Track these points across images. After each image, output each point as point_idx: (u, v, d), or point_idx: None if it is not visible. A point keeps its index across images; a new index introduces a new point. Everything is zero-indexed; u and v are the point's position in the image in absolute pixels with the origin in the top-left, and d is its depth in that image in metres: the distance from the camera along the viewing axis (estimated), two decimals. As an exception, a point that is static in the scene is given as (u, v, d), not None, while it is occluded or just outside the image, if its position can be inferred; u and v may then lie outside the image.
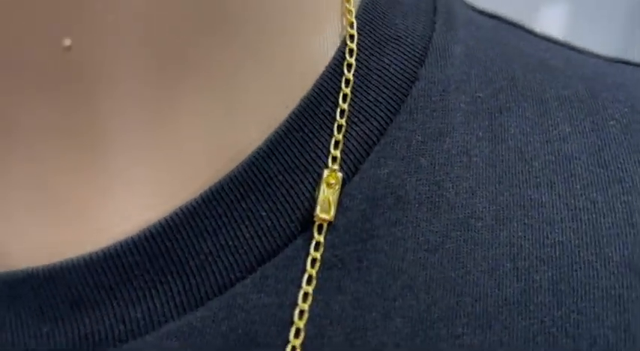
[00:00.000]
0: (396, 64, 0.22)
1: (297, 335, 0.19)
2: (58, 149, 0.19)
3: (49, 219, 0.19)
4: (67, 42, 0.17)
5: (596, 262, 0.20)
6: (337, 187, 0.20)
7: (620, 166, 0.21)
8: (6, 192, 0.19)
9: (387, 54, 0.22)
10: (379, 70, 0.22)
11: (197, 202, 0.19)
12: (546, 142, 0.22)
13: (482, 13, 0.26)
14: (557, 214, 0.20)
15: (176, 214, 0.19)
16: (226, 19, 0.19)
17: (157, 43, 0.18)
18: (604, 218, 0.20)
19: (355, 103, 0.21)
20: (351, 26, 0.22)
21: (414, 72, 0.22)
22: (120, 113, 0.19)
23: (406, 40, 0.22)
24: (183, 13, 0.18)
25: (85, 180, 0.19)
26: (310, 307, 0.20)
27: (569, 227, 0.20)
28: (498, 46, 0.24)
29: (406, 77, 0.22)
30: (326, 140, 0.21)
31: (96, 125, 0.19)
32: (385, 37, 0.22)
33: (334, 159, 0.21)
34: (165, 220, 0.19)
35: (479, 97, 0.22)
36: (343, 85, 0.21)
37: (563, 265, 0.20)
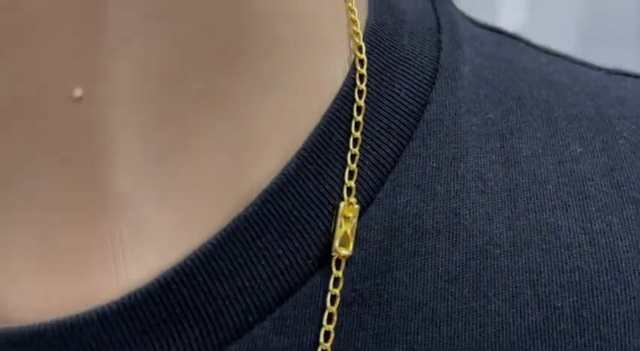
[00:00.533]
0: (407, 89, 0.21)
1: None
2: (64, 200, 0.18)
3: (55, 272, 0.18)
4: (79, 93, 0.16)
5: (617, 286, 0.20)
6: (354, 220, 0.20)
7: (632, 186, 0.21)
8: (8, 246, 0.18)
9: (398, 78, 0.21)
10: (390, 96, 0.21)
11: (212, 245, 0.19)
12: (559, 163, 0.21)
13: (483, 26, 0.25)
14: (574, 238, 0.20)
15: (191, 259, 0.18)
16: (239, 55, 0.18)
17: (168, 87, 0.17)
18: (621, 241, 0.20)
19: (368, 131, 0.20)
20: (360, 50, 0.21)
21: (426, 95, 0.21)
22: (127, 162, 0.18)
23: (415, 62, 0.22)
24: (197, 50, 0.17)
25: (91, 230, 0.18)
26: (332, 345, 0.19)
27: (588, 251, 0.20)
28: (503, 63, 0.24)
29: (418, 101, 0.21)
30: (340, 171, 0.20)
31: (103, 173, 0.18)
32: (394, 60, 0.21)
33: (349, 190, 0.20)
34: (180, 266, 0.18)
35: (489, 118, 0.22)
36: (355, 113, 0.20)
37: (584, 290, 0.20)
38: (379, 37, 0.22)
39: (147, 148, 0.18)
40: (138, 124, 0.17)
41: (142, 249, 0.18)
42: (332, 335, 0.19)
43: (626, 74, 0.26)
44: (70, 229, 0.18)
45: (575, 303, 0.19)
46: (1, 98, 0.16)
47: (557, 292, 0.20)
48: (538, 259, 0.20)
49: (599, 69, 0.26)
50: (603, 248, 0.20)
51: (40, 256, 0.18)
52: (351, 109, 0.20)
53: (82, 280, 0.18)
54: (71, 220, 0.18)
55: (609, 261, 0.20)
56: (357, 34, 0.21)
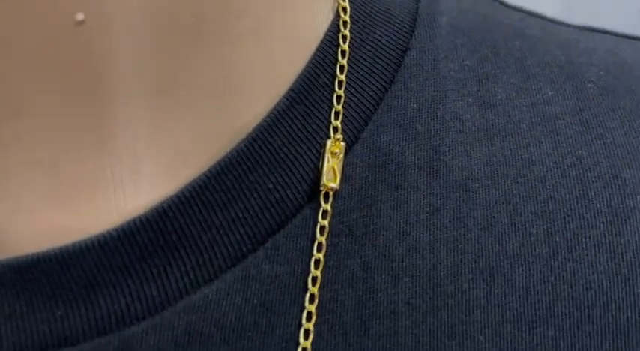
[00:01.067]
0: (387, 36, 0.22)
1: (311, 300, 0.20)
2: (66, 130, 0.19)
3: (56, 201, 0.19)
4: (80, 16, 0.17)
5: (586, 213, 0.21)
6: (341, 156, 0.21)
7: (600, 124, 0.23)
8: (11, 175, 0.19)
9: (379, 26, 0.22)
10: (373, 42, 0.22)
11: (206, 177, 0.20)
12: (531, 104, 0.23)
13: None
14: (547, 171, 0.22)
15: (187, 189, 0.19)
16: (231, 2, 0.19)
17: (165, 21, 0.18)
18: (590, 172, 0.22)
19: (352, 74, 0.22)
20: None
21: (406, 42, 0.23)
22: (126, 92, 0.19)
23: (395, 12, 0.23)
24: None
25: (91, 161, 0.19)
26: (322, 272, 0.20)
27: (559, 183, 0.21)
28: (479, 17, 0.25)
29: (398, 48, 0.22)
30: (326, 111, 0.21)
31: (103, 106, 0.19)
32: (375, 10, 0.23)
33: (335, 129, 0.21)
34: (177, 196, 0.19)
35: (466, 64, 0.23)
36: (340, 57, 0.22)
37: (556, 218, 0.21)
38: None
39: (145, 80, 0.19)
40: (137, 55, 0.18)
41: (140, 180, 0.19)
42: (322, 263, 0.20)
43: (594, 30, 0.27)
44: (71, 161, 0.19)
45: (549, 229, 0.21)
46: (2, 26, 0.17)
47: (531, 220, 0.21)
48: (514, 192, 0.21)
49: (569, 26, 0.27)
50: (574, 179, 0.21)
51: (43, 189, 0.19)
52: (336, 53, 0.22)
53: (83, 211, 0.19)
54: (72, 152, 0.19)
55: (579, 191, 0.21)
56: None
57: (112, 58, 0.18)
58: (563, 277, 0.20)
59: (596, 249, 0.21)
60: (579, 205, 0.21)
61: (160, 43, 0.18)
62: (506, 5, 0.28)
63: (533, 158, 0.22)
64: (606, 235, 0.21)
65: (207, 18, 0.19)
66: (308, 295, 0.20)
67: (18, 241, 0.19)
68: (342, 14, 0.22)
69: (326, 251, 0.20)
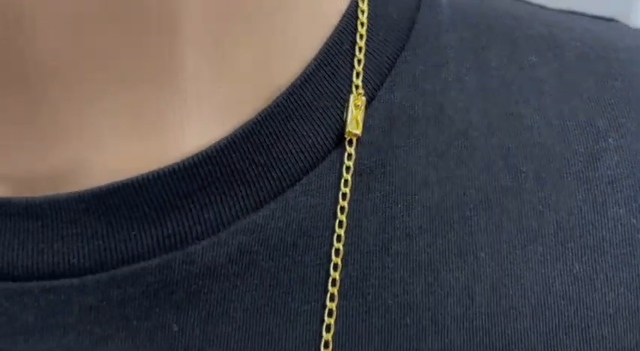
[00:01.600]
0: (398, 11, 0.27)
1: (340, 226, 0.24)
2: (140, 76, 0.22)
3: (130, 139, 0.23)
4: None
5: (567, 154, 0.25)
6: (362, 108, 0.25)
7: (577, 84, 0.27)
8: (93, 118, 0.23)
9: (391, 3, 0.27)
10: (386, 16, 0.27)
11: (254, 123, 0.24)
12: (520, 69, 0.27)
13: None
14: (534, 123, 0.26)
15: (239, 132, 0.23)
16: None
17: None
18: (569, 122, 0.26)
19: (369, 41, 0.26)
20: None
21: (413, 17, 0.27)
22: (193, 39, 0.22)
23: None
24: None
25: (161, 98, 0.23)
26: (349, 204, 0.24)
27: (544, 131, 0.26)
28: (474, 0, 0.30)
29: (407, 21, 0.27)
30: (349, 72, 0.25)
31: (176, 49, 0.22)
32: None
33: (357, 87, 0.25)
34: (231, 136, 0.23)
35: (464, 37, 0.27)
36: (359, 28, 0.26)
37: (543, 159, 0.25)
38: None
39: (208, 32, 0.23)
40: (203, 9, 0.22)
41: (201, 121, 0.23)
42: (348, 195, 0.24)
43: (573, 13, 0.32)
44: (144, 104, 0.23)
45: (537, 168, 0.25)
46: None
47: (522, 161, 0.25)
48: (507, 139, 0.26)
49: (551, 9, 0.32)
50: (556, 128, 0.26)
51: (119, 129, 0.23)
52: (356, 25, 0.26)
53: (153, 147, 0.23)
54: (146, 96, 0.23)
55: (561, 137, 0.26)
56: None
57: (183, 7, 0.22)
58: (549, 205, 0.24)
59: (576, 182, 0.25)
60: (561, 147, 0.25)
61: (220, 4, 0.23)
62: None
63: (522, 112, 0.26)
64: (584, 170, 0.25)
65: None
66: (337, 221, 0.24)
67: (100, 173, 0.23)
68: None
69: (351, 187, 0.24)
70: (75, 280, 0.22)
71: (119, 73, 0.22)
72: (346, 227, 0.24)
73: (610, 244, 0.24)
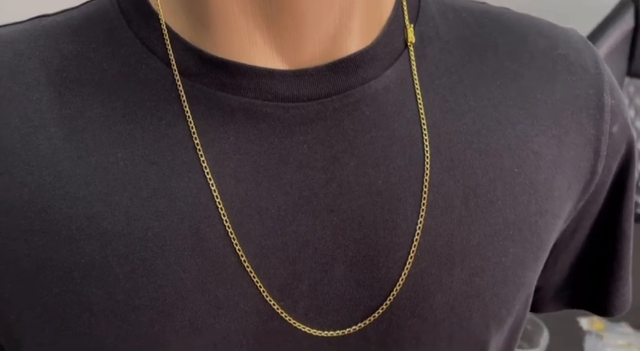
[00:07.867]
0: (411, 6, 0.47)
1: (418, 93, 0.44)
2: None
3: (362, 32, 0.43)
4: None
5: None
6: (411, 29, 0.45)
7: (519, 56, 0.48)
8: (252, 34, 0.40)
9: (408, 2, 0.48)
10: (408, 5, 0.47)
11: (377, 41, 0.43)
12: (489, 34, 0.49)
13: None
14: (499, 72, 0.47)
15: (371, 45, 0.42)
16: None
17: None
18: (529, 71, 0.47)
19: (408, 11, 0.46)
20: None
21: (418, 5, 0.47)
22: None
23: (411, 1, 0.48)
24: None
25: (326, 19, 0.40)
26: (419, 78, 0.44)
27: (507, 79, 0.47)
28: (449, 4, 0.51)
29: (415, 7, 0.47)
30: (403, 20, 0.45)
31: None
32: None
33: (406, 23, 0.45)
34: (369, 47, 0.42)
35: (450, 16, 0.48)
36: (404, 3, 0.46)
37: (528, 99, 0.46)
38: None
39: None
40: None
41: (352, 33, 0.41)
42: (416, 72, 0.44)
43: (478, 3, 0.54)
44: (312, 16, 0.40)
45: (527, 110, 0.46)
46: None
47: (515, 105, 0.47)
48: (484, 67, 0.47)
49: (483, 3, 0.53)
50: (518, 80, 0.48)
51: (275, 43, 0.40)
52: (402, 4, 0.46)
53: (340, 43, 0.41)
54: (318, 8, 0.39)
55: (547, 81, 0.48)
56: None
57: None
58: (538, 132, 0.45)
59: (551, 118, 0.46)
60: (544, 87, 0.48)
61: None
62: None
63: (490, 61, 0.48)
64: (556, 110, 0.46)
65: None
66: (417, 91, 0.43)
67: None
68: None
69: (416, 66, 0.44)
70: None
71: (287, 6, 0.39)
72: (422, 92, 0.44)
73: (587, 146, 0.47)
